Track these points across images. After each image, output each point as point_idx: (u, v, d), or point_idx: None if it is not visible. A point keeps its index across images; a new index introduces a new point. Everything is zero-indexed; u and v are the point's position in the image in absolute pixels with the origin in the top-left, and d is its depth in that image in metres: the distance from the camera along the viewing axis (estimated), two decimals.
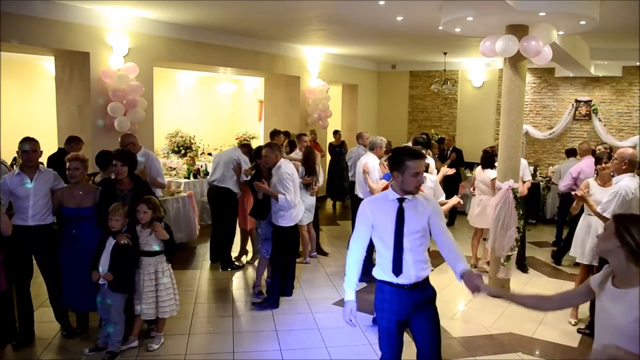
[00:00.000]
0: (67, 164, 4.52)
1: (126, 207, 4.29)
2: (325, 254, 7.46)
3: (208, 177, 7.36)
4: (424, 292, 3.09)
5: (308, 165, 6.81)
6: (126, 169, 4.50)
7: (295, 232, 5.79)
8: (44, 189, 4.47)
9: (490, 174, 6.69)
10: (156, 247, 4.33)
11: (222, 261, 6.88)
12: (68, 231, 4.50)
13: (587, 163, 7.01)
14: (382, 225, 3.05)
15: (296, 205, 5.53)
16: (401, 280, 3.02)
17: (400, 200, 3.04)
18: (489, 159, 6.83)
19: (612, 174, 4.91)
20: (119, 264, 4.21)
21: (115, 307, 4.26)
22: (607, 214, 4.46)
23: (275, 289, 5.51)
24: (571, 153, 8.83)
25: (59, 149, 5.96)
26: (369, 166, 6.12)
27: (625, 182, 4.56)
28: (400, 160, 3.02)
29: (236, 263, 6.95)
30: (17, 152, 4.52)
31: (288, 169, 5.42)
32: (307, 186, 6.79)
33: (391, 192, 3.09)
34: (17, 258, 4.43)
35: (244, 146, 7.11)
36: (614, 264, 2.31)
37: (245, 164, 6.70)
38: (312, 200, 6.95)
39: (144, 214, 4.23)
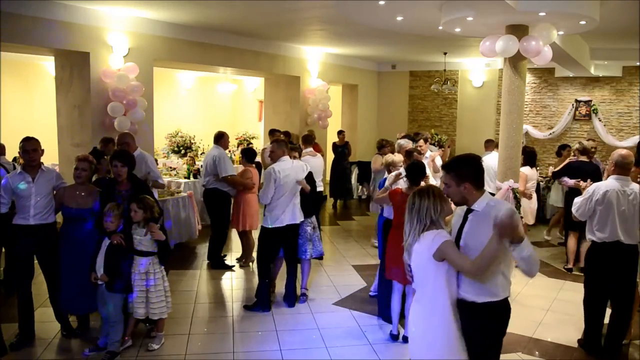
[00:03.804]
0: (76, 163, 4.54)
1: (121, 207, 4.30)
2: None
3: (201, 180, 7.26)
4: None
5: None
6: (126, 169, 4.48)
7: (274, 236, 5.29)
8: (46, 188, 4.47)
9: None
10: (149, 248, 4.31)
11: (212, 260, 6.85)
12: (67, 232, 4.50)
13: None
14: (453, 233, 2.90)
15: (277, 207, 5.19)
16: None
17: (467, 211, 2.84)
18: (534, 157, 6.99)
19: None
20: (114, 264, 4.22)
21: (114, 308, 4.26)
22: (578, 215, 4.45)
23: (261, 291, 5.34)
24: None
25: (94, 147, 6.08)
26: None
27: (598, 183, 4.45)
28: None
29: (227, 262, 6.87)
30: (19, 152, 4.53)
31: (278, 166, 5.15)
32: None
33: None
34: (18, 257, 4.46)
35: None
36: None
37: (221, 161, 6.50)
38: None
39: (134, 213, 4.25)
